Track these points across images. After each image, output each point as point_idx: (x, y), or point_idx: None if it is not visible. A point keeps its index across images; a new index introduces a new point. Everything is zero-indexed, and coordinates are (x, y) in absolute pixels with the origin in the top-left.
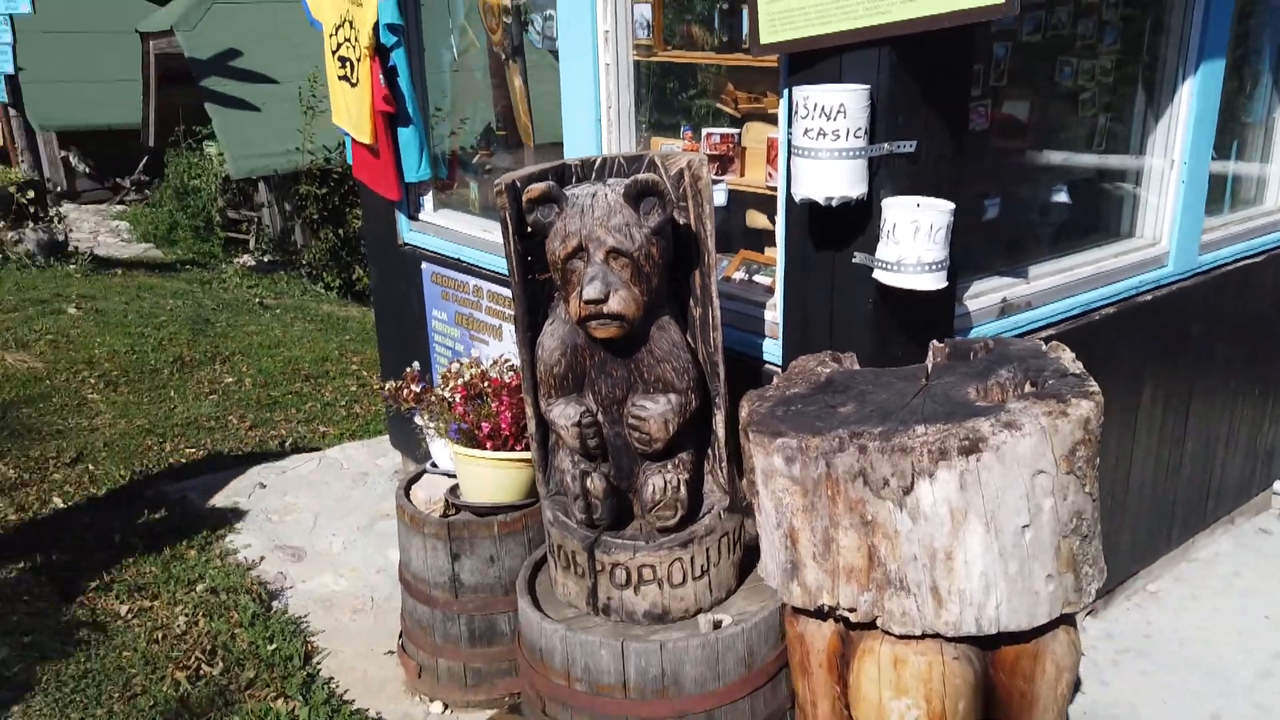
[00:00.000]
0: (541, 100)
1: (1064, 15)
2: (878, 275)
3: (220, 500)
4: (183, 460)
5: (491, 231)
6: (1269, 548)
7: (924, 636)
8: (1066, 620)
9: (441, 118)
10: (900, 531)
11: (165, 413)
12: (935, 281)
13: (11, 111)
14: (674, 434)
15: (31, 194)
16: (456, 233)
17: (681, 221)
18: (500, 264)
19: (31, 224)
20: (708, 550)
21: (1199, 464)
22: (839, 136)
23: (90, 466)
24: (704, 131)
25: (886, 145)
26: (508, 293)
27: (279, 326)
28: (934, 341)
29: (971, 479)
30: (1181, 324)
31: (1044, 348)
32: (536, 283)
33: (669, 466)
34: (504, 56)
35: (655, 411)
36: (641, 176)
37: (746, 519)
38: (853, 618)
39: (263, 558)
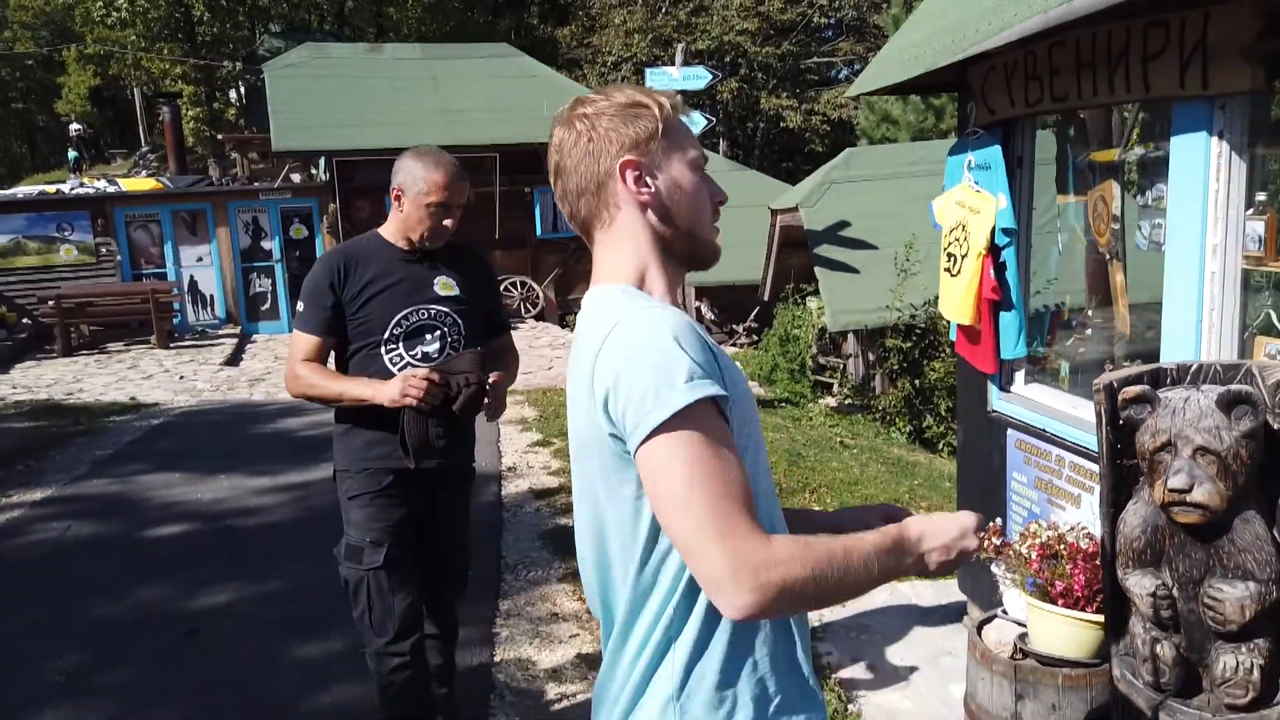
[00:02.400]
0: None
1: None
2: None
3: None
4: None
5: (1079, 408)
6: None
7: None
8: None
9: (1041, 304)
10: None
11: None
12: None
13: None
14: (1250, 620)
15: None
16: (1045, 406)
17: (1276, 427)
18: (1084, 439)
19: None
20: None
21: None
22: None
23: None
24: None
25: None
26: (1090, 466)
27: (856, 465)
28: None
29: None
30: None
31: None
32: (1123, 467)
33: (1243, 649)
34: (1108, 256)
35: (1233, 596)
36: (1234, 388)
37: None
38: None
39: (843, 665)
